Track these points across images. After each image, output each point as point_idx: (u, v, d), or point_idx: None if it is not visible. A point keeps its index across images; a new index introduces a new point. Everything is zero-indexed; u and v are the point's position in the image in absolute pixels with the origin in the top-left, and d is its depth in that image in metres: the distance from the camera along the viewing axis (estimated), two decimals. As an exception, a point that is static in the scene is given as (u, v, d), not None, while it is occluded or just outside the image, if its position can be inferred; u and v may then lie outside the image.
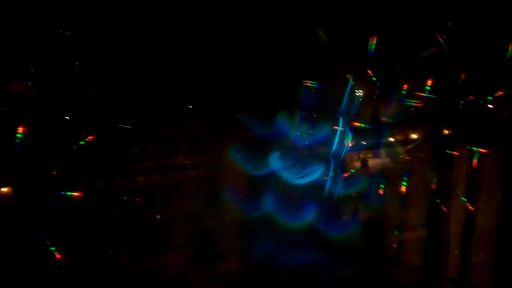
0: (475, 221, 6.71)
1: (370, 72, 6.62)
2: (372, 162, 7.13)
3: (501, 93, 6.20)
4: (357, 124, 6.69)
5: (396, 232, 6.96)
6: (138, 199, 6.18)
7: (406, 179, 6.75)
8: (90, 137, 5.53)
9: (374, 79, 6.68)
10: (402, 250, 7.12)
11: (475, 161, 6.49)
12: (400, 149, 6.93)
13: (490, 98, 6.30)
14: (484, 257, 6.67)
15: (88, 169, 5.78)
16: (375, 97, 6.82)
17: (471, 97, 6.34)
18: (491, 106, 6.48)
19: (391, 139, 7.02)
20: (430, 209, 6.93)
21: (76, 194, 5.47)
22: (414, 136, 7.05)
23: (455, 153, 6.58)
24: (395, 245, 6.90)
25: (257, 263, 6.23)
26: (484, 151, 6.27)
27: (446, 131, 6.83)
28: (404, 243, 7.11)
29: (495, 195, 6.55)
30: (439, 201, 6.73)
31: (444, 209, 6.78)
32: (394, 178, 6.88)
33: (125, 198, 6.04)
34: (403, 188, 6.76)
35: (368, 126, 6.74)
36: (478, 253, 6.73)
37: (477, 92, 6.33)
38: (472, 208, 6.52)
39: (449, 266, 7.03)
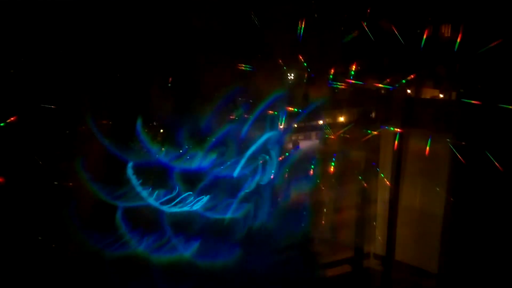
0: (400, 200, 7.18)
1: (300, 57, 6.91)
2: (303, 145, 7.39)
3: (413, 76, 6.73)
4: (290, 108, 6.92)
5: (326, 212, 7.27)
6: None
7: (334, 159, 7.07)
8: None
9: (305, 64, 6.97)
10: (333, 230, 7.43)
11: (396, 142, 6.96)
12: (329, 132, 7.25)
13: (404, 81, 6.80)
14: (407, 234, 7.15)
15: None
16: (305, 81, 7.12)
17: (389, 80, 6.81)
18: (408, 90, 7.04)
19: (321, 122, 7.33)
20: (358, 189, 7.33)
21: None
22: (341, 119, 7.42)
23: (375, 133, 7.00)
24: (323, 224, 7.18)
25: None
26: (399, 130, 6.75)
27: (371, 114, 7.30)
28: (335, 223, 7.44)
29: (418, 174, 7.02)
30: (362, 179, 7.14)
31: (367, 187, 7.20)
32: (324, 160, 7.18)
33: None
34: (332, 169, 7.07)
35: (299, 110, 6.98)
36: (402, 230, 7.20)
37: (396, 75, 6.82)
38: (390, 185, 6.96)
39: (376, 243, 7.46)
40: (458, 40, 6.33)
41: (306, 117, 7.07)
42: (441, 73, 7.02)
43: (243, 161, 6.14)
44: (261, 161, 6.37)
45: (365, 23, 6.61)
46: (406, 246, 7.23)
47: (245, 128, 6.26)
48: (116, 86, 5.84)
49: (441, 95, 7.14)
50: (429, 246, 6.94)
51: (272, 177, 6.45)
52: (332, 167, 7.10)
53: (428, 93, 7.17)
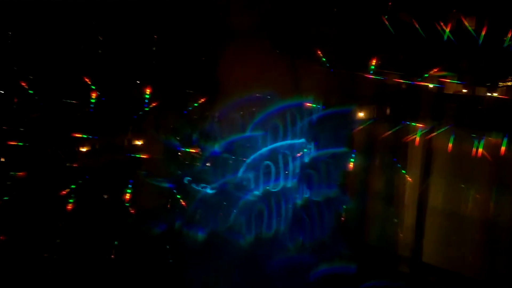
0: (428, 200, 6.88)
1: (319, 52, 6.79)
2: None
3: (436, 71, 6.56)
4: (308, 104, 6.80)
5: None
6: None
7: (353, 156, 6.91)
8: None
9: (324, 59, 6.85)
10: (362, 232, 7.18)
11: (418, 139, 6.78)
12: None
13: (426, 75, 6.63)
14: (436, 235, 6.82)
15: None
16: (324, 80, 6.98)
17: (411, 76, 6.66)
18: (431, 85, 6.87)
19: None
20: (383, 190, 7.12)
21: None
22: (361, 114, 7.27)
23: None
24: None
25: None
26: (421, 125, 6.57)
27: (393, 110, 7.13)
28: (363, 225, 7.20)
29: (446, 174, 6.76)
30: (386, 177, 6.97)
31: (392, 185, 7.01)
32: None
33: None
34: (351, 166, 6.92)
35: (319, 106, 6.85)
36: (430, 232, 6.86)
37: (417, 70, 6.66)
38: (412, 181, 6.74)
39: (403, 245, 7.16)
40: (483, 33, 6.18)
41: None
42: (465, 68, 6.84)
43: (244, 166, 6.23)
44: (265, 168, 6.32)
45: (385, 17, 6.48)
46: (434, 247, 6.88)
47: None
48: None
49: (464, 90, 6.96)
50: (461, 247, 6.59)
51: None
52: (351, 164, 6.94)
53: (451, 88, 6.99)
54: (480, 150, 6.23)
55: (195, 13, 6.14)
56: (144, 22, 6.04)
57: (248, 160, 6.20)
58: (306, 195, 6.50)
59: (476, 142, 6.25)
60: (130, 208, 5.99)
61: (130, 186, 6.04)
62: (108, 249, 5.87)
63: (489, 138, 6.11)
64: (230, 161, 6.24)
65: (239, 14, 6.01)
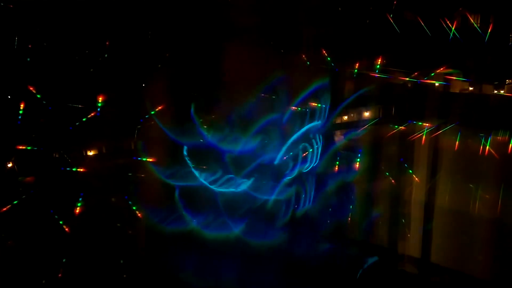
0: (436, 200, 6.75)
1: (324, 52, 6.78)
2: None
3: (442, 69, 6.52)
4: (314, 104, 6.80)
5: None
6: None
7: (359, 156, 6.90)
8: None
9: (329, 59, 6.84)
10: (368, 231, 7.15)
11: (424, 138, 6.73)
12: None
13: (432, 74, 6.59)
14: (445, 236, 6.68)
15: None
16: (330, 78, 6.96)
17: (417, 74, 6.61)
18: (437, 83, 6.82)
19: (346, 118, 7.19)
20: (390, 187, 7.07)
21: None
22: (366, 114, 7.26)
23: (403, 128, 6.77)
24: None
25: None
26: (427, 125, 6.53)
27: (397, 109, 7.10)
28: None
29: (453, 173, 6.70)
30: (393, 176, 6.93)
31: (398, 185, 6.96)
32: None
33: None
34: (357, 165, 6.91)
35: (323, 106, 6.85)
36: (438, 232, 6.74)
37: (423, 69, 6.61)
38: (420, 181, 6.70)
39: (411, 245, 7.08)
40: (489, 31, 6.14)
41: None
42: (471, 66, 6.79)
43: (284, 149, 6.35)
44: (302, 150, 6.48)
45: (390, 16, 6.45)
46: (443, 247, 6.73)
47: (285, 117, 6.41)
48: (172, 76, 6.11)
49: (471, 88, 6.91)
50: (471, 248, 6.42)
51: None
52: (357, 163, 6.94)
53: (458, 86, 6.94)
54: (487, 148, 6.19)
55: (195, 12, 6.17)
56: (146, 26, 6.10)
57: (288, 143, 6.36)
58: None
59: (483, 141, 6.22)
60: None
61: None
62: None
63: (496, 137, 6.07)
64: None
65: (240, 13, 6.06)
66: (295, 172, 6.38)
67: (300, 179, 6.45)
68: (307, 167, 6.46)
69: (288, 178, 6.36)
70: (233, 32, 5.96)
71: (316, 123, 6.51)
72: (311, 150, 6.45)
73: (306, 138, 6.45)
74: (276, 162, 6.33)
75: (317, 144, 6.48)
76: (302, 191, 6.46)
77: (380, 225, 6.93)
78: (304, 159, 6.43)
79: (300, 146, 6.42)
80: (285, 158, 6.36)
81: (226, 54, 6.05)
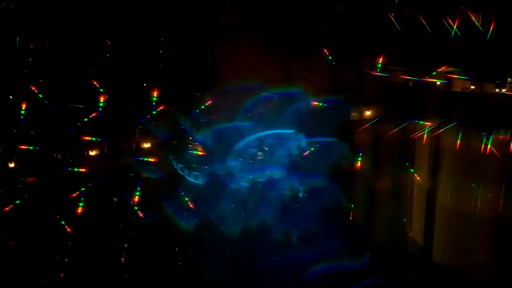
0: (437, 198, 6.77)
1: (325, 51, 6.78)
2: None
3: (443, 68, 6.50)
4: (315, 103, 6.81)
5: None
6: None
7: (360, 155, 6.90)
8: None
9: (330, 57, 6.83)
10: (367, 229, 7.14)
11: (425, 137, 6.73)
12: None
13: (434, 73, 6.57)
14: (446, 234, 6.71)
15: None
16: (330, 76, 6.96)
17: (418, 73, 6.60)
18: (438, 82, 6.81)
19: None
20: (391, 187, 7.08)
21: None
22: (368, 113, 7.25)
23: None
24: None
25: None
26: (429, 123, 6.52)
27: (398, 108, 7.09)
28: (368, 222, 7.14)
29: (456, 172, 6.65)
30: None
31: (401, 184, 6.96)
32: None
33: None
34: (358, 164, 6.91)
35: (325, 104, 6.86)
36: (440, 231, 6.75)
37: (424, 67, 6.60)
38: (421, 180, 6.69)
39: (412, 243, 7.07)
40: (491, 29, 6.12)
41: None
42: (472, 65, 6.77)
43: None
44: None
45: (392, 14, 6.43)
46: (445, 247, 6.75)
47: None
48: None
49: (472, 87, 6.90)
50: (472, 247, 6.41)
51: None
52: (358, 162, 6.93)
53: (459, 85, 6.92)
54: (489, 147, 6.18)
55: (193, 13, 6.19)
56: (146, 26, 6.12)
57: (235, 148, 6.34)
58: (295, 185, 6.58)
59: (484, 139, 6.20)
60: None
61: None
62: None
63: (498, 136, 6.05)
64: (219, 150, 6.36)
65: (236, 11, 6.08)
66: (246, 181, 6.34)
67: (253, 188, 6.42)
68: (261, 175, 6.41)
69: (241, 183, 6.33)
70: (231, 32, 5.98)
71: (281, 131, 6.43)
72: (261, 158, 6.38)
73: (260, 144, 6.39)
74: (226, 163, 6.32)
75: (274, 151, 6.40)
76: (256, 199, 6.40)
77: (381, 224, 6.94)
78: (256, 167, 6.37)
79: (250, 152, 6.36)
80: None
81: (222, 53, 6.08)
